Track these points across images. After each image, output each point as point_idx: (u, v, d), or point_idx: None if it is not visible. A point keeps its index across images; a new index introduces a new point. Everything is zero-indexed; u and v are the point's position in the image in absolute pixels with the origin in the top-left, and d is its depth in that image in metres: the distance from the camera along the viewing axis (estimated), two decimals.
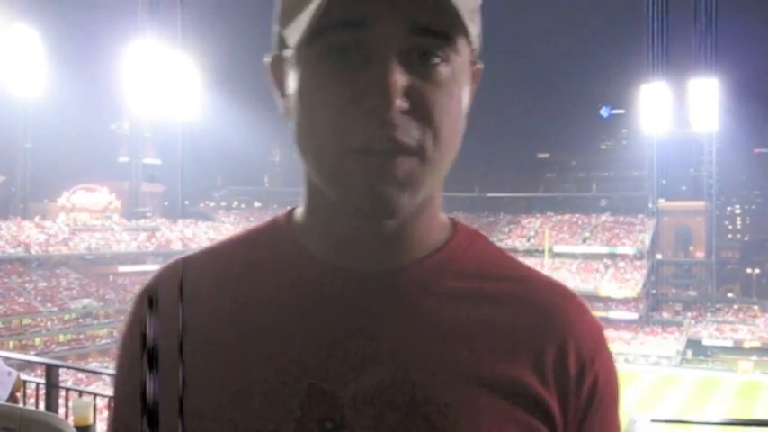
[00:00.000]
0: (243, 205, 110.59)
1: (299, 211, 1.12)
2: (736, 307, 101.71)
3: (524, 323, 0.95)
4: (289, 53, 0.84)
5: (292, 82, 0.85)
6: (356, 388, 0.81)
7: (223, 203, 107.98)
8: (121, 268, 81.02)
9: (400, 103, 0.80)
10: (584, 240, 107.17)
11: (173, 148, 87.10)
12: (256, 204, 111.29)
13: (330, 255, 0.90)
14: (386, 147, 0.82)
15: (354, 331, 0.85)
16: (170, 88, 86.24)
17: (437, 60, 0.84)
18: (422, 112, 0.84)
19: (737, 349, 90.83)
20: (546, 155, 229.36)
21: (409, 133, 0.83)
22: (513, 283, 0.99)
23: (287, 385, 0.83)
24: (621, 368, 75.20)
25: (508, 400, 0.90)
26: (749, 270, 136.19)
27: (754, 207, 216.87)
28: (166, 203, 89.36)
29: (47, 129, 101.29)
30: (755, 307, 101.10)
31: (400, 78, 0.79)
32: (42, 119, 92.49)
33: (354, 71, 0.79)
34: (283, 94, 0.93)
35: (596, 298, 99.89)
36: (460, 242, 1.04)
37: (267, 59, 0.92)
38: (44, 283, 77.69)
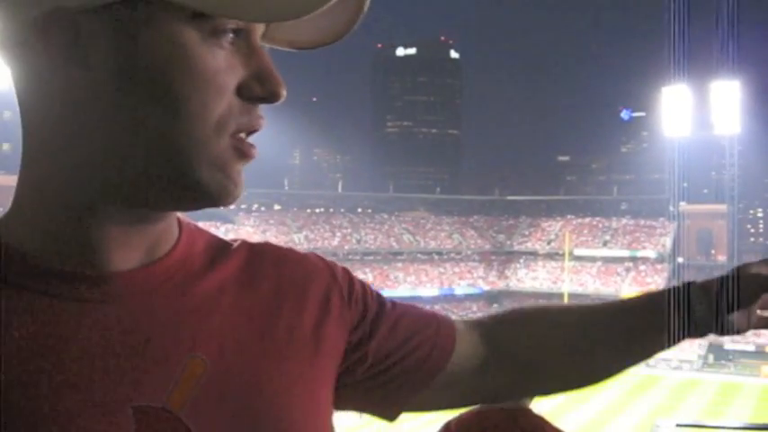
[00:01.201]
0: (263, 208, 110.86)
1: (12, 214, 0.82)
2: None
3: (284, 284, 1.02)
4: (132, 11, 0.67)
5: (134, 45, 0.69)
6: (180, 394, 0.78)
7: (243, 206, 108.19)
8: None
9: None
10: (605, 244, 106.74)
11: None
12: (276, 207, 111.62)
13: (71, 259, 0.79)
14: (248, 133, 0.90)
15: (141, 339, 0.80)
16: None
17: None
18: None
19: (760, 353, 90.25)
20: (566, 157, 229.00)
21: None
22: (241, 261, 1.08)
23: (110, 419, 0.74)
24: (642, 372, 74.46)
25: (317, 357, 0.96)
26: None
27: None
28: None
29: None
30: None
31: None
32: None
33: (238, 48, 0.76)
34: (84, 61, 0.68)
35: None
36: (190, 235, 1.06)
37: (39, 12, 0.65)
38: None
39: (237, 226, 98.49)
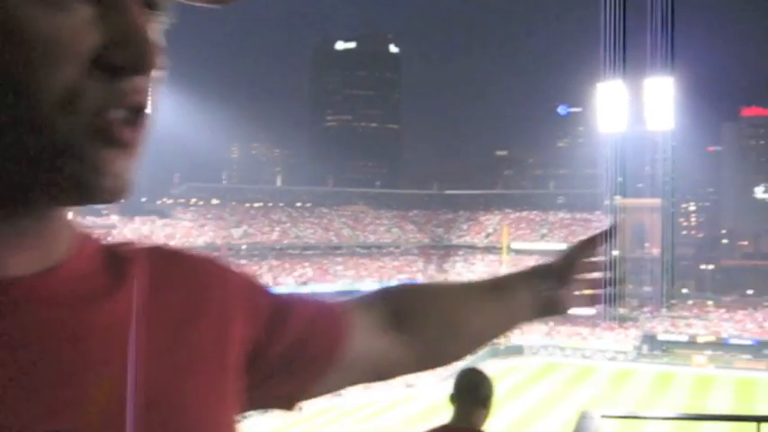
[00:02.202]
0: (201, 202, 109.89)
1: None
2: (690, 302, 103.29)
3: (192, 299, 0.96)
4: None
5: None
6: (89, 416, 0.71)
7: (181, 200, 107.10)
8: None
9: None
10: (542, 237, 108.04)
11: None
12: (214, 201, 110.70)
13: None
14: (125, 113, 0.70)
15: (46, 356, 0.71)
16: None
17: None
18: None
19: (692, 344, 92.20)
20: (504, 152, 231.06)
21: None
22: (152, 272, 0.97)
23: None
24: (579, 363, 75.77)
25: (222, 372, 0.91)
26: (703, 266, 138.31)
27: (708, 204, 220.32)
28: (122, 200, 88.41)
29: None
30: (709, 302, 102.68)
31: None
32: None
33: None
34: None
35: None
36: (83, 241, 0.92)
37: None
38: None
39: (175, 221, 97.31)
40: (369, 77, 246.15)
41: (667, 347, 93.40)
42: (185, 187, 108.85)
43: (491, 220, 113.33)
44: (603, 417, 3.97)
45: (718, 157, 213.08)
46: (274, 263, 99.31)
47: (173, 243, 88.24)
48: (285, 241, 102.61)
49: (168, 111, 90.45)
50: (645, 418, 4.00)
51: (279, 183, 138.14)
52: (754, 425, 4.25)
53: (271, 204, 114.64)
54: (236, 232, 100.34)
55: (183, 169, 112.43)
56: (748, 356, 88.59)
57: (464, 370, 4.05)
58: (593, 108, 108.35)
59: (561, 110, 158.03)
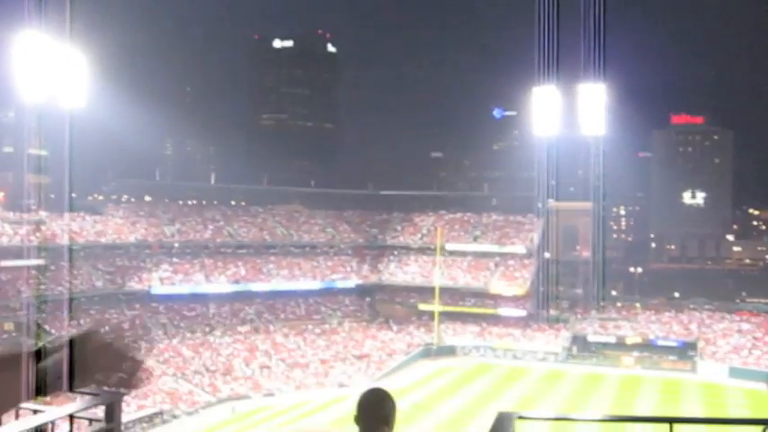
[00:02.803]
0: (133, 199, 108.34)
1: None
2: (619, 305, 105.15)
3: None
4: None
5: None
6: None
7: (113, 197, 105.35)
8: (4, 262, 78.16)
9: None
10: (476, 239, 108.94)
11: (60, 138, 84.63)
12: (147, 198, 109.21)
13: None
14: None
15: None
16: (57, 77, 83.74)
17: None
18: None
19: (620, 345, 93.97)
20: (439, 154, 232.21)
21: None
22: None
23: None
24: (510, 364, 76.89)
25: None
26: (632, 269, 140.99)
27: (637, 208, 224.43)
28: (53, 196, 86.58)
29: None
30: (637, 305, 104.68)
31: None
32: None
33: None
34: None
35: (486, 295, 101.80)
36: None
37: None
38: None
39: (105, 217, 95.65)
40: (306, 76, 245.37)
41: (596, 349, 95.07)
42: (117, 183, 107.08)
43: (425, 222, 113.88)
44: (520, 418, 4.03)
45: (648, 162, 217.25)
46: (207, 261, 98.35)
47: (103, 240, 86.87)
48: (219, 239, 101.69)
49: (101, 106, 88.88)
50: (563, 419, 4.05)
51: (213, 180, 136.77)
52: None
53: (205, 202, 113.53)
54: (169, 230, 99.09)
55: (114, 165, 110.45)
56: (674, 357, 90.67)
57: (367, 390, 4.13)
58: (527, 112, 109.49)
59: (497, 113, 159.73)
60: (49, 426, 3.53)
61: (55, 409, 3.61)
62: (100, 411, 3.67)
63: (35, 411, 3.76)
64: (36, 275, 75.95)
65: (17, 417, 3.91)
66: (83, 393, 3.83)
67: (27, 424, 3.39)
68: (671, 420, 4.26)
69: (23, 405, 3.93)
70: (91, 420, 3.64)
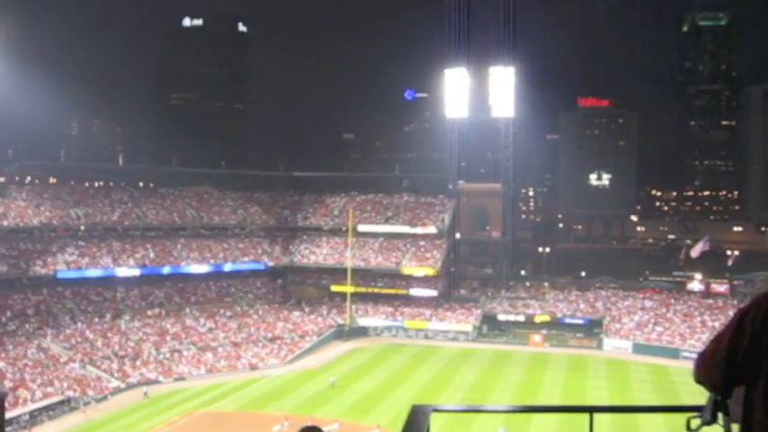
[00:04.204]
0: (37, 180, 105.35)
1: None
2: (528, 284, 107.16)
3: None
4: None
5: None
6: None
7: (16, 178, 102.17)
8: None
9: None
10: (387, 220, 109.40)
11: None
12: (52, 180, 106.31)
13: None
14: None
15: None
16: None
17: None
18: None
19: (529, 324, 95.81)
20: (351, 135, 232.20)
21: None
22: None
23: None
24: (421, 343, 77.78)
25: None
26: (540, 249, 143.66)
27: (545, 189, 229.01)
28: None
29: None
30: (546, 284, 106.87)
31: None
32: None
33: None
34: None
35: (398, 276, 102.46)
36: None
37: None
38: None
39: (8, 199, 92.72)
40: (216, 56, 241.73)
41: (506, 327, 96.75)
42: (20, 164, 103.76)
43: (337, 203, 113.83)
44: (435, 411, 4.01)
45: (556, 144, 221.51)
46: (115, 244, 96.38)
47: (5, 223, 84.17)
48: (126, 222, 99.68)
49: (2, 82, 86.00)
50: (476, 411, 4.06)
51: (121, 162, 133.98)
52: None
53: (112, 184, 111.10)
54: (75, 212, 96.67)
55: (17, 145, 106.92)
56: (581, 335, 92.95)
57: (304, 427, 4.08)
58: (439, 94, 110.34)
59: (408, 95, 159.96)
60: None
61: None
62: None
63: None
64: None
65: None
66: None
67: None
68: (591, 410, 4.21)
69: None
70: None
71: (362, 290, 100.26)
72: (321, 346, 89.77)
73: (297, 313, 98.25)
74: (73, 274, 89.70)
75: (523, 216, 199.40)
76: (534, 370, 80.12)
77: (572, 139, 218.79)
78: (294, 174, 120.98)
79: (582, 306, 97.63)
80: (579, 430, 4.64)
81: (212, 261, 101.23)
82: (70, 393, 67.86)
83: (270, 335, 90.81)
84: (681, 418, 3.72)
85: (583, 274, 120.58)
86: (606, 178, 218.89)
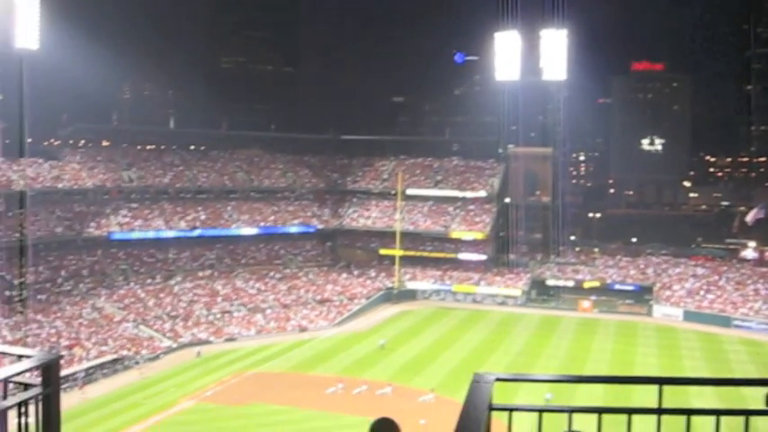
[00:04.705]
0: (90, 144, 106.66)
1: None
2: (577, 249, 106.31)
3: None
4: None
5: None
6: None
7: (70, 141, 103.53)
8: None
9: None
10: (436, 184, 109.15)
11: (14, 82, 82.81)
12: (104, 143, 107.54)
13: None
14: None
15: None
16: (9, 17, 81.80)
17: None
18: None
19: (578, 289, 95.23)
20: (401, 98, 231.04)
21: None
22: None
23: None
24: (469, 307, 77.60)
25: None
26: (591, 214, 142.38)
27: (597, 154, 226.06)
28: (7, 141, 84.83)
29: None
30: (596, 250, 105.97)
31: None
32: None
33: None
34: None
35: (447, 240, 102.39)
36: None
37: None
38: None
39: (62, 162, 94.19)
40: (266, 19, 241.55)
41: (555, 293, 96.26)
42: (74, 128, 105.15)
43: (386, 166, 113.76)
44: (498, 380, 3.96)
45: (608, 108, 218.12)
46: (167, 206, 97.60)
47: (61, 185, 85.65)
48: (178, 184, 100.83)
49: (56, 48, 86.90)
50: (540, 381, 4.01)
51: (172, 125, 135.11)
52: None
53: (163, 147, 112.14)
54: (128, 175, 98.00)
55: (71, 109, 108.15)
56: (630, 301, 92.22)
57: (377, 420, 4.06)
58: (489, 57, 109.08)
59: (458, 58, 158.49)
60: None
61: None
62: (36, 375, 3.58)
63: None
64: None
65: None
66: (17, 356, 3.72)
67: None
68: (661, 381, 4.00)
69: None
70: (26, 385, 3.54)
71: (411, 253, 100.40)
72: (369, 309, 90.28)
73: (345, 276, 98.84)
74: (126, 236, 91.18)
75: (574, 181, 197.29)
76: (582, 336, 79.76)
77: (624, 103, 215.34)
78: (343, 137, 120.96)
79: (632, 272, 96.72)
80: (626, 395, 4.58)
81: (262, 223, 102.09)
82: (123, 352, 69.27)
83: (319, 297, 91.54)
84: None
85: (634, 240, 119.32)
86: (659, 143, 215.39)
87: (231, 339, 78.16)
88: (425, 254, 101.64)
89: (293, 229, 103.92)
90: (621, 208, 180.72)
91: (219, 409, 55.32)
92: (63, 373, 54.69)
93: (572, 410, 3.81)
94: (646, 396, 4.24)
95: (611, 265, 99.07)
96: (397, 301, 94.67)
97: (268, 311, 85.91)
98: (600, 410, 3.73)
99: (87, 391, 58.93)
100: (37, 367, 3.54)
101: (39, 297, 75.67)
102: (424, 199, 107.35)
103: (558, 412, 3.80)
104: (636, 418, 3.84)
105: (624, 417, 3.81)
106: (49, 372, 3.56)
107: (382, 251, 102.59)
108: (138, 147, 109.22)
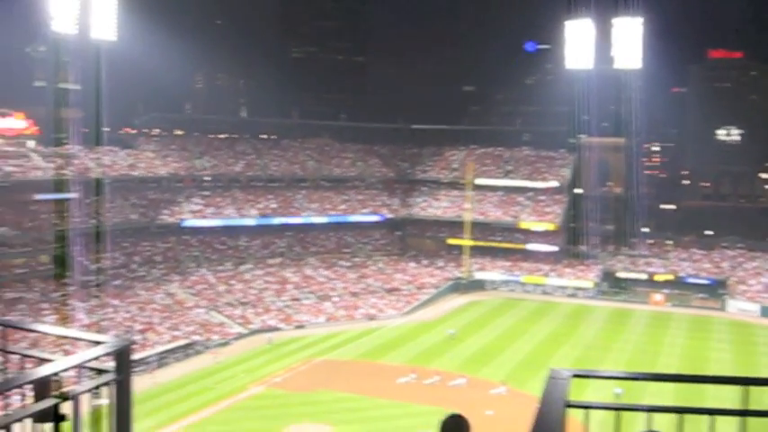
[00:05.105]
0: (164, 132, 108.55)
1: None
2: (650, 242, 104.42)
3: None
4: None
5: None
6: None
7: (144, 130, 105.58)
8: (38, 196, 78.84)
9: None
10: (507, 173, 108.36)
11: (91, 72, 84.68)
12: (178, 132, 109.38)
13: None
14: None
15: None
16: (87, 9, 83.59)
17: None
18: None
19: (650, 282, 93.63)
20: (471, 88, 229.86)
21: None
22: None
23: None
24: (539, 299, 76.84)
25: None
26: (664, 206, 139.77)
27: (671, 145, 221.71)
28: (85, 130, 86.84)
29: None
30: (669, 242, 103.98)
31: None
32: None
33: None
34: None
35: (517, 230, 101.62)
36: None
37: None
38: None
39: (137, 150, 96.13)
40: (337, 8, 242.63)
41: (626, 285, 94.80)
42: (148, 117, 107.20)
43: (456, 156, 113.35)
44: (576, 376, 3.85)
45: (682, 98, 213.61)
46: (238, 194, 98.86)
47: (136, 173, 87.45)
48: (249, 173, 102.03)
49: (132, 39, 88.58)
50: (618, 378, 3.86)
51: (244, 114, 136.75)
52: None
53: (236, 136, 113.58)
54: (200, 163, 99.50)
55: (146, 99, 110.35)
56: (704, 295, 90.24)
57: (447, 416, 4.00)
58: (561, 45, 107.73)
59: (529, 47, 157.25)
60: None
61: (62, 359, 3.54)
62: (109, 361, 3.61)
63: (41, 360, 3.70)
64: (69, 209, 76.67)
65: (22, 367, 3.85)
66: (88, 342, 3.76)
67: (32, 374, 3.32)
68: (747, 382, 3.76)
69: (28, 353, 3.87)
70: (100, 371, 3.57)
71: (480, 243, 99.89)
72: (438, 299, 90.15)
73: (414, 265, 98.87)
74: (198, 223, 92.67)
75: (647, 172, 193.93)
76: (654, 329, 78.41)
77: (700, 93, 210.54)
78: (413, 126, 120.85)
79: (706, 266, 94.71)
80: (699, 393, 4.43)
81: (332, 212, 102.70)
82: (195, 338, 70.45)
83: (388, 286, 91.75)
84: None
85: (708, 232, 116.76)
86: (736, 134, 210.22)
87: (300, 327, 78.85)
88: (494, 244, 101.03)
89: (362, 218, 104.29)
90: (696, 200, 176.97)
91: (288, 395, 55.89)
92: (136, 356, 55.84)
93: (651, 409, 3.68)
94: (720, 394, 4.08)
95: (684, 257, 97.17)
96: (466, 291, 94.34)
97: (337, 299, 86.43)
98: (680, 410, 3.59)
99: (157, 375, 60.07)
100: (110, 353, 3.57)
101: (114, 282, 77.43)
102: (494, 189, 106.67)
103: (637, 411, 3.68)
104: (705, 418, 3.67)
105: (696, 417, 3.65)
106: (122, 358, 3.59)
107: (451, 241, 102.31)
108: (211, 136, 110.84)
